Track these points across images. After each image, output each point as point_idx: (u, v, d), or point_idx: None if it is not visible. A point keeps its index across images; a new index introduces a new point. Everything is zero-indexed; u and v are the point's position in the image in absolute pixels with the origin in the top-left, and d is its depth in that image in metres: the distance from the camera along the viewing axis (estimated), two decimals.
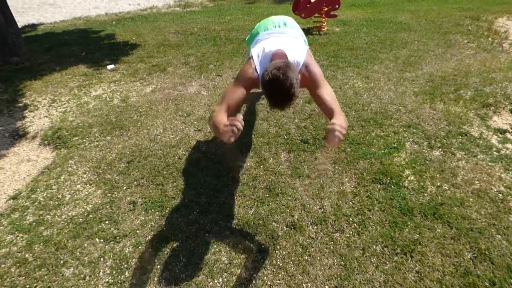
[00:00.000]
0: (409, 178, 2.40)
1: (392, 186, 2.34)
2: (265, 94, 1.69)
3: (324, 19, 5.41)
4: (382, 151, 2.66)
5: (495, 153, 2.60)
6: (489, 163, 2.50)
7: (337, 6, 5.29)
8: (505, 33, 5.09)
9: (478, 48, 4.62)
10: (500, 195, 2.22)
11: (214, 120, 1.67)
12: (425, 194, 2.26)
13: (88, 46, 5.48)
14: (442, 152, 2.64)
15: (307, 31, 5.53)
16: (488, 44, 4.76)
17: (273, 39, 2.04)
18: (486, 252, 1.85)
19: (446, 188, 2.30)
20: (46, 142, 3.14)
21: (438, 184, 2.34)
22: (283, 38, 2.05)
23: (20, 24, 4.87)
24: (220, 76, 4.09)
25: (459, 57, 4.32)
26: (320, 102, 1.82)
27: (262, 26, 2.28)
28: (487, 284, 1.71)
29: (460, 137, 2.79)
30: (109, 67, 4.55)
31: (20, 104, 3.79)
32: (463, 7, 6.74)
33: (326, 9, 5.27)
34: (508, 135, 2.81)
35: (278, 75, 1.57)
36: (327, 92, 1.79)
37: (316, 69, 1.86)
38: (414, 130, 2.89)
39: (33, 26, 7.49)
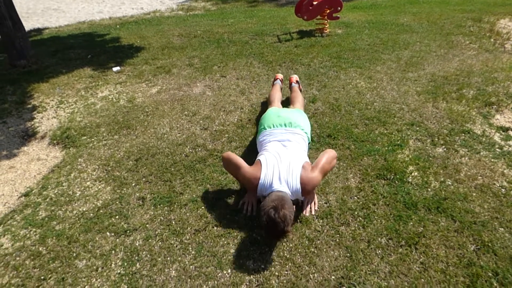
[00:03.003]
0: (413, 174, 2.44)
1: (396, 182, 2.38)
2: (263, 229, 1.94)
3: (326, 21, 5.47)
4: (386, 148, 2.71)
5: (497, 150, 2.64)
6: (492, 160, 2.54)
7: (339, 8, 5.35)
8: (507, 34, 5.14)
9: (480, 48, 4.67)
10: (503, 189, 2.26)
11: (243, 177, 2.18)
12: (429, 189, 2.30)
13: (94, 49, 5.56)
14: (445, 149, 2.68)
15: (309, 33, 5.60)
16: (490, 45, 4.81)
17: (275, 156, 2.18)
18: (489, 244, 1.89)
19: (450, 183, 2.34)
20: (55, 141, 3.20)
21: (442, 179, 2.38)
22: (286, 153, 2.20)
23: (25, 28, 4.95)
24: (225, 77, 4.15)
25: (461, 57, 4.37)
26: None
27: (269, 121, 2.52)
28: (490, 274, 1.74)
29: (463, 134, 2.83)
30: (115, 69, 4.63)
31: (29, 106, 3.86)
32: (465, 9, 6.79)
33: (328, 11, 5.33)
34: (511, 133, 2.85)
35: (274, 217, 1.79)
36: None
37: (308, 180, 2.07)
38: (417, 128, 2.94)
39: (38, 31, 7.59)
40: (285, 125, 2.45)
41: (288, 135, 2.37)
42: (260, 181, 2.06)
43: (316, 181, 2.09)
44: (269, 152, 2.24)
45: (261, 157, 2.21)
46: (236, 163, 2.16)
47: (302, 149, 2.33)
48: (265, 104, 3.32)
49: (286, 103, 3.30)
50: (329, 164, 2.16)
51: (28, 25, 7.94)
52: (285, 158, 2.15)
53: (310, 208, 2.20)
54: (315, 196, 2.25)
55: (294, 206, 2.05)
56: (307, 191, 2.08)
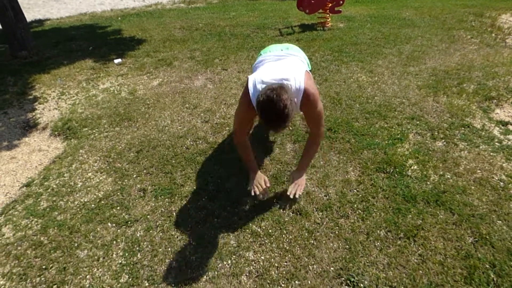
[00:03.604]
0: (412, 168, 2.45)
1: (396, 175, 2.39)
2: (260, 115, 1.70)
3: (328, 15, 5.46)
4: (386, 142, 2.71)
5: (497, 143, 2.65)
6: (491, 153, 2.54)
7: (341, 2, 5.33)
8: (508, 29, 5.12)
9: (481, 43, 4.66)
10: (502, 183, 2.27)
11: (240, 151, 2.20)
12: (428, 183, 2.31)
13: (95, 41, 5.56)
14: (445, 143, 2.69)
15: (311, 27, 5.58)
16: (491, 39, 4.79)
17: (273, 63, 2.05)
18: (487, 237, 1.91)
19: (449, 176, 2.36)
20: (56, 132, 3.22)
21: (441, 173, 2.39)
22: (283, 61, 2.06)
23: (27, 19, 4.94)
24: (226, 70, 4.15)
25: (462, 52, 4.36)
26: (307, 120, 2.15)
27: (266, 49, 2.34)
28: (487, 266, 1.76)
29: (463, 128, 2.83)
30: (116, 61, 4.62)
31: (30, 97, 3.87)
32: (467, 4, 6.76)
33: (330, 5, 5.31)
34: (510, 127, 2.85)
35: (272, 96, 1.60)
36: (316, 114, 1.98)
37: (317, 102, 1.93)
38: (418, 122, 2.94)
39: (39, 22, 7.57)
40: (281, 49, 2.24)
41: (285, 55, 2.15)
42: (249, 87, 1.88)
43: (320, 105, 1.92)
44: (261, 66, 2.09)
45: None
46: (238, 122, 2.06)
47: (303, 64, 2.14)
48: None
49: None
50: (318, 127, 2.05)
51: (29, 16, 7.91)
52: (284, 61, 2.02)
53: (296, 191, 2.11)
54: (304, 179, 2.18)
55: (295, 98, 1.84)
56: (309, 100, 1.88)
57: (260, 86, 1.83)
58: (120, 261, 1.92)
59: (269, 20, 6.18)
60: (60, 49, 5.27)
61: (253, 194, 2.11)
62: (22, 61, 4.76)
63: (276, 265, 1.85)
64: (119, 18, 7.24)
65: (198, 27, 5.96)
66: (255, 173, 2.19)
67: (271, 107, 1.61)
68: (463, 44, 4.65)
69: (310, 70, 2.22)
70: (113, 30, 6.24)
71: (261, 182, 2.14)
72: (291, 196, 2.11)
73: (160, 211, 2.23)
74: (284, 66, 1.97)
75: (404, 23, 5.66)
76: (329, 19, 5.50)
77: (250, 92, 1.88)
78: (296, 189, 2.12)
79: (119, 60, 4.65)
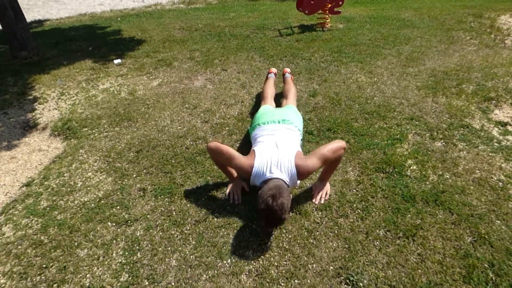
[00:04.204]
0: (411, 168, 2.46)
1: (395, 175, 2.40)
2: (260, 217, 1.97)
3: (327, 16, 5.47)
4: (385, 142, 2.72)
5: (496, 144, 2.66)
6: (490, 154, 2.55)
7: (340, 3, 5.34)
8: (507, 30, 5.14)
9: (481, 44, 4.67)
10: (500, 183, 2.28)
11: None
12: (427, 183, 2.32)
13: (95, 41, 5.56)
14: (444, 143, 2.70)
15: (310, 28, 5.59)
16: (490, 40, 4.81)
17: (271, 146, 2.19)
18: (486, 236, 1.92)
19: (448, 177, 2.36)
20: (56, 133, 3.22)
21: (440, 173, 2.40)
22: (280, 145, 2.20)
23: (26, 20, 4.94)
24: (226, 71, 4.16)
25: (461, 53, 4.37)
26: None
27: (264, 116, 2.55)
28: (486, 265, 1.77)
29: (462, 129, 2.85)
30: (116, 61, 4.63)
31: (30, 97, 3.87)
32: (466, 5, 6.78)
33: (329, 5, 5.32)
34: (509, 128, 2.87)
35: (272, 205, 1.81)
36: (313, 166, 2.08)
37: (303, 164, 2.06)
38: (417, 123, 2.96)
39: (39, 22, 7.58)
40: (278, 121, 2.47)
41: (282, 130, 2.39)
42: (254, 169, 2.07)
43: (311, 164, 2.05)
44: (263, 142, 2.27)
45: (255, 147, 2.23)
46: (229, 153, 2.15)
47: (296, 141, 2.34)
48: (260, 96, 3.33)
49: (279, 95, 3.32)
50: (331, 152, 2.08)
51: (29, 16, 7.91)
52: (280, 147, 2.17)
53: (321, 196, 2.24)
54: (328, 186, 2.31)
55: (291, 195, 2.09)
56: (302, 174, 2.07)
57: (262, 176, 2.06)
58: (120, 260, 1.93)
59: (269, 20, 6.20)
60: (60, 49, 5.27)
61: (231, 202, 2.28)
62: (22, 61, 4.77)
63: (276, 264, 1.86)
64: (119, 19, 7.25)
65: (197, 28, 5.97)
66: (233, 180, 2.37)
67: (270, 214, 1.83)
68: (462, 45, 4.66)
69: (301, 139, 2.54)
70: (113, 30, 6.24)
71: (237, 190, 2.32)
72: (316, 202, 2.23)
73: (160, 210, 2.24)
74: (280, 153, 2.12)
75: (403, 24, 5.67)
76: (329, 20, 5.51)
77: (252, 174, 2.08)
78: (321, 195, 2.26)
79: (119, 60, 4.65)
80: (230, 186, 2.36)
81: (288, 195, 1.93)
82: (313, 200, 2.24)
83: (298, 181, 2.20)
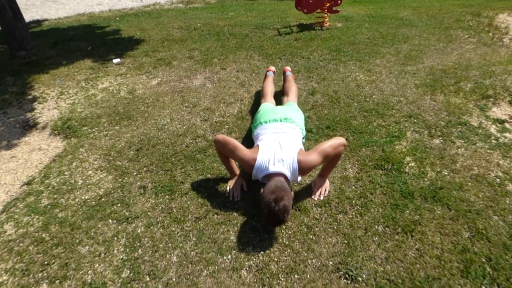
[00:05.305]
0: (410, 164, 2.48)
1: (394, 172, 2.42)
2: (263, 217, 1.96)
3: (326, 15, 5.49)
4: (384, 140, 2.74)
5: (493, 141, 2.68)
6: (488, 151, 2.58)
7: (339, 1, 5.36)
8: (505, 29, 5.16)
9: (479, 42, 4.70)
10: (498, 179, 2.30)
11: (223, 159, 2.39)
12: (425, 179, 2.34)
13: (93, 41, 5.57)
14: (442, 140, 2.72)
15: (309, 27, 5.61)
16: (488, 39, 4.83)
17: (274, 144, 2.21)
18: (483, 232, 1.94)
19: (446, 173, 2.39)
20: (56, 132, 3.23)
21: (438, 170, 2.42)
22: (282, 143, 2.21)
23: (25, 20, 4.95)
24: (225, 70, 4.17)
25: (459, 51, 4.40)
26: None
27: (265, 117, 2.56)
28: (483, 260, 1.79)
29: (460, 126, 2.87)
30: (115, 61, 4.64)
31: (29, 97, 3.88)
32: (464, 3, 6.80)
33: (328, 4, 5.34)
34: (507, 125, 2.89)
35: (275, 210, 1.83)
36: (314, 161, 2.10)
37: (305, 159, 2.09)
38: (415, 120, 2.98)
39: (38, 22, 7.58)
40: (280, 120, 2.49)
41: (284, 129, 2.41)
42: (257, 162, 2.09)
43: (312, 160, 2.08)
44: (266, 139, 2.29)
45: (259, 142, 2.26)
46: (234, 144, 2.18)
47: (298, 140, 2.37)
48: (259, 95, 3.35)
49: (279, 93, 3.34)
50: (332, 148, 2.10)
51: (27, 16, 7.90)
52: (282, 143, 2.19)
53: (320, 193, 2.27)
54: (328, 182, 2.33)
55: (293, 193, 2.10)
56: (303, 169, 2.09)
57: (265, 169, 2.08)
58: (121, 257, 1.94)
59: (268, 20, 6.21)
60: (59, 49, 5.28)
61: (230, 198, 2.30)
62: (21, 61, 4.77)
63: (276, 259, 1.88)
64: (117, 19, 7.25)
65: (196, 27, 5.98)
66: (234, 178, 2.41)
67: (273, 219, 1.88)
68: (460, 43, 4.69)
69: (303, 137, 2.53)
70: (112, 30, 6.25)
71: (237, 188, 2.33)
72: (315, 199, 2.25)
73: (160, 207, 2.25)
74: (283, 151, 2.13)
75: (402, 23, 5.69)
76: (327, 19, 5.53)
77: (253, 169, 2.12)
78: (321, 192, 2.28)
79: (118, 60, 4.66)
80: (230, 183, 2.38)
81: (290, 196, 1.94)
82: (313, 197, 2.25)
83: (299, 178, 2.23)
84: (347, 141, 2.74)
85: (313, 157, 2.08)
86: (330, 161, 2.20)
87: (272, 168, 2.06)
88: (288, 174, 2.05)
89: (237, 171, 2.42)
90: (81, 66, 4.58)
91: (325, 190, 2.29)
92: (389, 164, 2.48)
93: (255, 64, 4.25)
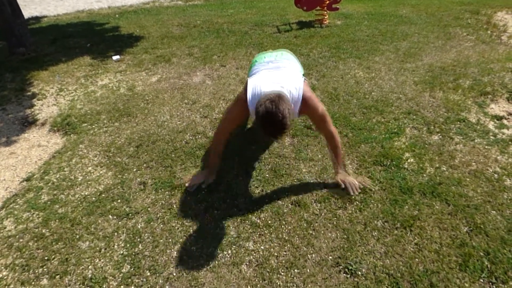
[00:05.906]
0: (409, 160, 2.49)
1: (393, 168, 2.43)
2: (258, 125, 1.79)
3: (325, 12, 5.49)
4: (383, 136, 2.75)
5: (491, 137, 2.70)
6: (486, 146, 2.59)
7: None
8: (503, 26, 5.18)
9: (477, 40, 4.71)
10: (496, 175, 2.32)
11: (211, 154, 2.39)
12: (424, 175, 2.35)
13: (93, 38, 5.56)
14: (440, 136, 2.73)
15: (309, 24, 5.62)
16: (487, 36, 4.85)
17: (270, 72, 2.10)
18: (482, 226, 1.95)
19: (444, 169, 2.40)
20: (55, 128, 3.23)
21: (437, 165, 2.43)
22: (281, 70, 2.12)
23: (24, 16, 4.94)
24: (224, 67, 4.18)
25: (458, 48, 4.41)
26: (316, 126, 2.29)
27: (261, 56, 2.39)
28: (481, 254, 1.80)
29: (459, 123, 2.88)
30: (115, 57, 4.64)
31: (28, 93, 3.87)
32: (463, 1, 6.82)
33: (328, 2, 5.35)
34: (505, 121, 2.90)
35: (271, 107, 1.68)
36: (319, 115, 2.05)
37: (318, 105, 2.02)
38: (414, 117, 2.98)
39: (36, 19, 7.56)
40: (276, 56, 2.31)
41: (280, 61, 2.22)
42: (249, 92, 1.94)
43: (319, 102, 2.00)
44: (260, 70, 2.15)
45: (249, 78, 2.09)
46: (224, 121, 2.16)
47: (297, 71, 2.20)
48: None
49: None
50: (330, 125, 2.11)
51: (26, 13, 7.85)
52: (282, 68, 2.07)
53: (353, 188, 2.20)
54: (351, 177, 2.27)
55: (293, 105, 1.90)
56: (306, 106, 1.95)
57: (259, 93, 1.91)
58: (121, 252, 1.95)
59: (267, 17, 6.21)
60: (58, 46, 5.27)
61: (188, 189, 2.31)
62: (20, 57, 4.76)
63: (276, 254, 1.89)
64: (117, 15, 7.25)
65: (196, 24, 5.98)
66: (208, 174, 2.38)
67: (270, 119, 1.70)
68: (459, 41, 4.70)
69: (303, 74, 2.32)
70: (111, 27, 6.24)
71: (198, 181, 2.33)
72: (352, 193, 2.19)
73: (160, 203, 2.26)
74: (282, 75, 2.04)
75: (401, 21, 5.70)
76: (327, 16, 5.54)
77: (248, 98, 1.95)
78: (353, 187, 2.21)
79: (117, 56, 4.66)
80: (197, 174, 2.40)
81: (290, 104, 1.77)
82: (351, 194, 2.19)
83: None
84: (346, 137, 2.75)
85: (320, 103, 2.03)
86: (331, 148, 2.22)
87: (271, 88, 1.86)
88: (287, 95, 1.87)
89: (214, 171, 2.39)
90: (81, 62, 4.58)
91: (356, 185, 2.21)
92: (388, 160, 2.49)
93: None
